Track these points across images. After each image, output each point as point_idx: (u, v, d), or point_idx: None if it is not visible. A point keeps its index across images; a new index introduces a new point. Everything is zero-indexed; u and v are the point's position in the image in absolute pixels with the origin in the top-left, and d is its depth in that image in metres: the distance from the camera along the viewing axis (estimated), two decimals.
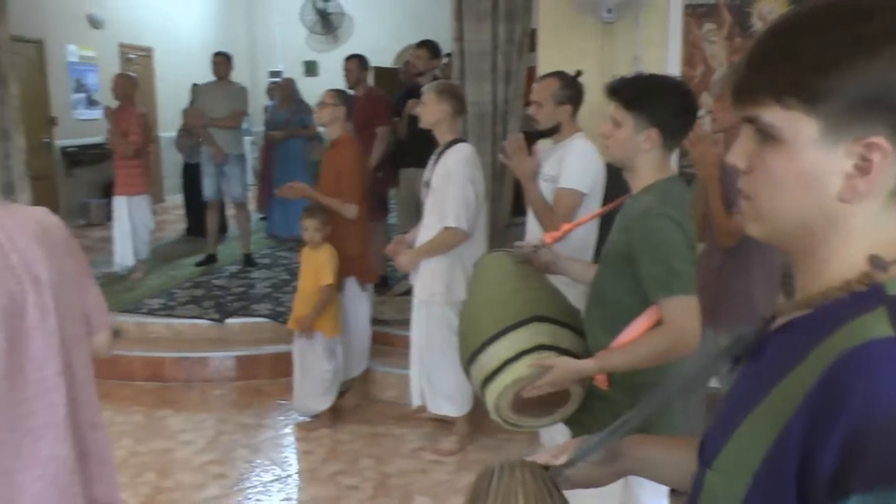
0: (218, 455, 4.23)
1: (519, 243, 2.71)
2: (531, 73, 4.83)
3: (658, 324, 2.09)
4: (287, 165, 7.89)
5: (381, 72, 11.79)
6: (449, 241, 3.86)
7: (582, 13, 4.25)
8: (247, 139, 8.00)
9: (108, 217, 7.00)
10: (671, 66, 4.21)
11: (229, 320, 5.66)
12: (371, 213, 4.93)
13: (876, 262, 0.80)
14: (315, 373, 4.44)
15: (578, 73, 3.50)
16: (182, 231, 9.04)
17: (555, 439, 2.65)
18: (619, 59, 4.26)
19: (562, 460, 1.21)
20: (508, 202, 5.16)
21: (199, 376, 5.27)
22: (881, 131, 0.77)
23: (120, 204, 6.82)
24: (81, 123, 9.96)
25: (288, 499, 3.80)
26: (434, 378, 4.09)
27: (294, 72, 13.26)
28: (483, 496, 1.15)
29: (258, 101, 10.99)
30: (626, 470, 1.24)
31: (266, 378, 5.22)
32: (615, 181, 2.84)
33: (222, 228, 8.04)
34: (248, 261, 7.32)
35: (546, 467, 1.20)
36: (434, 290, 3.94)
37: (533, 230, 3.50)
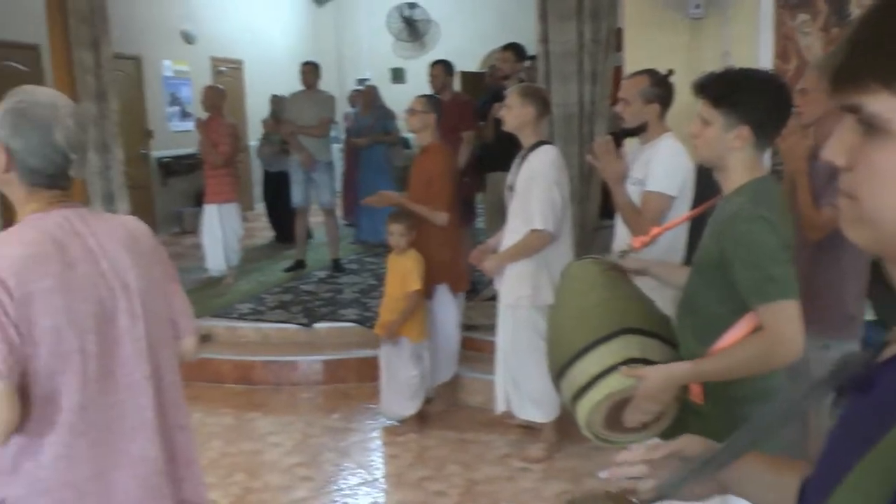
0: (305, 457, 4.28)
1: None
2: (617, 72, 4.74)
3: (757, 331, 1.98)
4: (371, 171, 7.99)
5: (467, 76, 11.83)
6: (535, 244, 3.81)
7: (669, 9, 4.15)
8: (335, 146, 8.11)
9: (200, 225, 7.20)
10: (763, 60, 4.06)
11: (317, 325, 5.74)
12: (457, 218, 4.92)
13: None
14: (402, 378, 4.45)
15: (670, 73, 3.39)
16: (272, 238, 9.25)
17: None
18: (707, 55, 4.13)
19: (648, 487, 1.15)
20: (596, 205, 5.08)
21: (287, 380, 5.36)
22: None
23: (210, 212, 7.02)
24: (176, 135, 10.31)
25: (375, 503, 3.81)
26: (521, 383, 4.04)
27: (381, 79, 13.43)
28: None
29: (344, 109, 11.16)
30: (725, 486, 1.15)
31: (353, 382, 5.27)
32: (706, 183, 2.74)
33: (307, 235, 8.18)
34: (337, 266, 7.43)
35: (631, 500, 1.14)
36: (520, 293, 3.90)
37: (621, 234, 3.42)
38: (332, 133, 7.70)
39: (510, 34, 7.03)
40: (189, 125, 9.65)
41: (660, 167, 3.24)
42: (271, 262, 8.01)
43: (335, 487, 3.96)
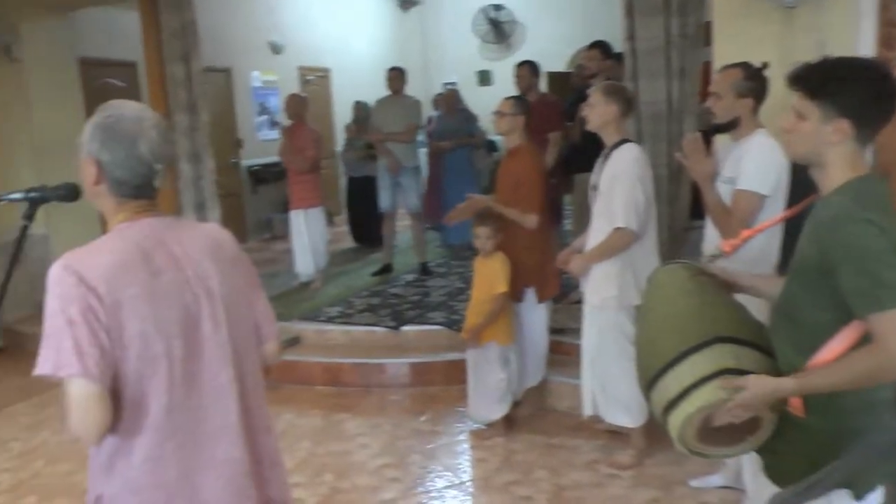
0: (393, 459, 4.30)
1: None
2: (706, 68, 4.60)
3: (863, 342, 1.85)
4: (455, 175, 7.98)
5: (553, 76, 11.74)
6: (619, 243, 3.73)
7: None
8: (421, 151, 8.15)
9: (290, 230, 7.35)
10: (863, 49, 3.84)
11: (405, 328, 5.77)
12: None
13: None
14: (489, 381, 4.42)
15: (764, 66, 3.24)
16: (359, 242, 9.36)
17: (757, 474, 2.36)
18: (801, 45, 3.94)
19: None
20: (686, 205, 4.94)
21: (375, 382, 5.41)
22: None
23: (297, 217, 7.15)
24: (265, 144, 10.55)
25: None
26: (608, 387, 3.96)
27: (468, 82, 13.45)
28: None
29: (430, 114, 11.21)
30: None
31: (441, 385, 5.27)
32: (802, 181, 2.60)
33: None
34: (424, 270, 7.47)
35: None
36: (606, 294, 3.83)
37: (711, 236, 3.31)
38: (419, 137, 7.73)
39: (596, 33, 6.93)
40: (277, 134, 9.89)
41: (752, 164, 3.11)
42: (358, 266, 8.11)
43: (422, 490, 3.96)
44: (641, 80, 4.76)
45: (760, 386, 1.93)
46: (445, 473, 4.12)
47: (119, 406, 1.66)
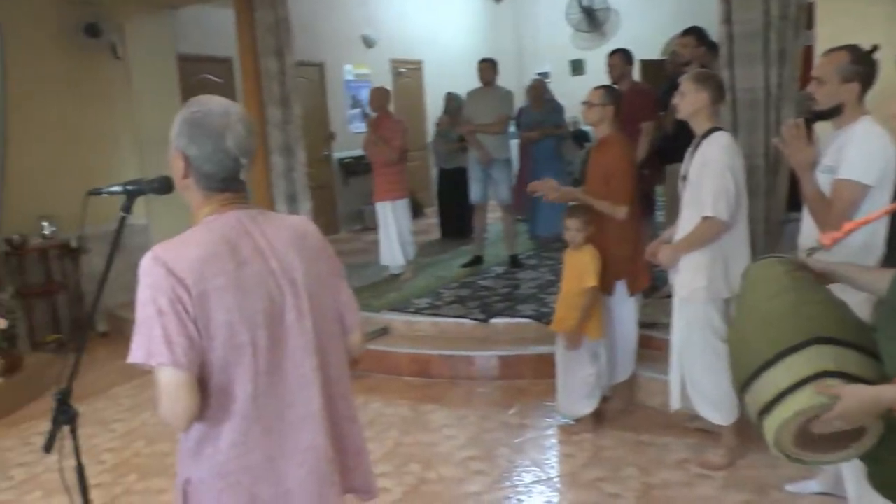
0: (479, 451, 4.30)
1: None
2: (807, 52, 4.40)
3: None
4: (543, 166, 7.91)
5: (647, 65, 11.47)
6: (708, 233, 3.62)
7: None
8: (513, 143, 8.11)
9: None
10: None
11: (494, 320, 5.75)
12: None
13: None
14: (578, 376, 4.37)
15: (874, 48, 3.05)
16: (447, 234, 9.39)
17: (861, 480, 2.20)
18: None
19: None
20: (783, 196, 4.74)
21: (463, 374, 5.41)
22: None
23: (384, 209, 7.24)
24: (356, 136, 10.65)
25: (549, 502, 3.75)
26: (696, 383, 3.85)
27: (561, 71, 13.32)
28: None
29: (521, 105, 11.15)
30: None
31: (529, 378, 5.24)
32: None
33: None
34: (514, 262, 7.43)
35: None
36: (695, 285, 3.71)
37: (808, 229, 3.15)
38: (510, 129, 7.70)
39: (691, 19, 6.72)
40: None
41: (855, 152, 2.94)
42: (447, 257, 8.13)
43: (509, 484, 3.94)
44: (738, 65, 4.57)
45: (856, 397, 1.79)
46: (533, 468, 4.09)
47: (206, 394, 1.71)
